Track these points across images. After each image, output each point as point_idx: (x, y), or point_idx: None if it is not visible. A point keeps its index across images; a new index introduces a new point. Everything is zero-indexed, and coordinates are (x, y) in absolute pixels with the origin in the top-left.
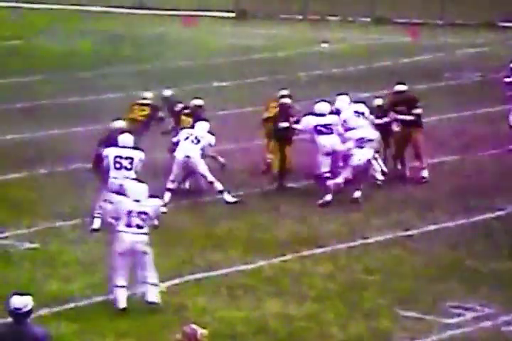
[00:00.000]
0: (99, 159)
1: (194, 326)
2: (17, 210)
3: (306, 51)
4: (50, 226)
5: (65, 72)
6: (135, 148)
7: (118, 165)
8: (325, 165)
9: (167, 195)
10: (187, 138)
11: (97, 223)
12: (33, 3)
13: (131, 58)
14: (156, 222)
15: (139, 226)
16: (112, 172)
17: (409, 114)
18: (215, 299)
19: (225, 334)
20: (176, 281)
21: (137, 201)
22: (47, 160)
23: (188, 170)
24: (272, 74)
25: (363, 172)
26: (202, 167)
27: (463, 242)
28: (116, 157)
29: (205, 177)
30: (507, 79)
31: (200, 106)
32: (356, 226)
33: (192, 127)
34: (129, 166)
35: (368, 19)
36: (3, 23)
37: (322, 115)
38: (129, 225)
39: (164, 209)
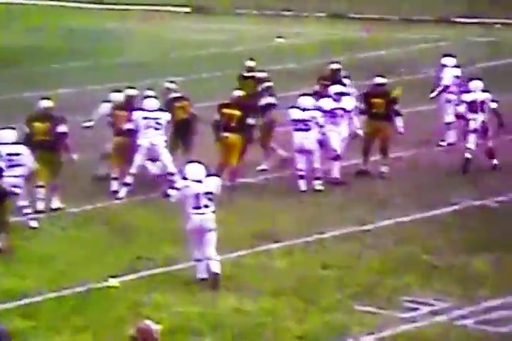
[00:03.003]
0: None
1: (148, 322)
2: None
3: (261, 46)
4: None
5: (19, 67)
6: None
7: (10, 163)
8: (299, 162)
9: (123, 190)
10: (147, 126)
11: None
12: None
13: (86, 53)
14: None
15: (206, 206)
16: (7, 171)
17: (386, 107)
18: (171, 294)
19: (180, 329)
20: (132, 277)
21: (199, 181)
22: None
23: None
24: (227, 69)
25: (482, 134)
26: (166, 155)
27: (418, 237)
28: (7, 154)
29: (167, 166)
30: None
31: (133, 97)
32: (312, 222)
33: (129, 120)
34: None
35: (323, 14)
36: None
37: (304, 110)
38: (197, 207)
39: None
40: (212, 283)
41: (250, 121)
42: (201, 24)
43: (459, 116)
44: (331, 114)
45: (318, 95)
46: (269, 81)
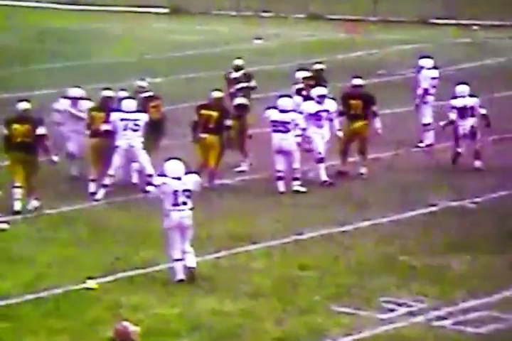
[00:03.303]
0: None
1: (126, 323)
2: None
3: (239, 47)
4: None
5: None
6: None
7: None
8: (278, 163)
9: (101, 192)
10: (125, 127)
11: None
12: None
13: (63, 54)
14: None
15: (184, 203)
16: None
17: (364, 109)
18: (149, 296)
19: (159, 331)
20: (110, 278)
21: (178, 179)
22: None
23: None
24: (205, 71)
25: (471, 138)
26: (144, 157)
27: (396, 238)
28: None
29: (145, 168)
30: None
31: (110, 98)
32: (291, 223)
33: (106, 121)
34: None
35: (302, 15)
36: None
37: (283, 111)
38: (175, 204)
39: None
40: (188, 277)
41: (228, 122)
42: (179, 25)
43: (451, 122)
44: (316, 116)
45: (301, 94)
46: (242, 82)
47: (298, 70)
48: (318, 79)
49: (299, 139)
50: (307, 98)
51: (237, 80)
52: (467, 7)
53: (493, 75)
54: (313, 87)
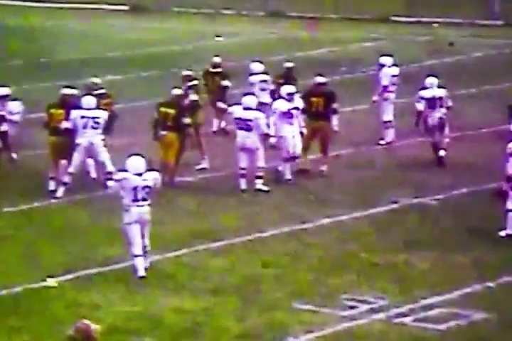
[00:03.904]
0: None
1: (86, 321)
2: None
3: (200, 45)
4: None
5: None
6: None
7: None
8: (241, 161)
9: (60, 189)
10: (85, 125)
11: None
12: None
13: (23, 52)
14: None
15: (144, 199)
16: None
17: (325, 107)
18: (110, 294)
19: (120, 329)
20: (70, 276)
21: (139, 175)
22: None
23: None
24: (166, 68)
25: (440, 130)
26: (105, 155)
27: (358, 235)
28: None
29: (105, 165)
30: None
31: (70, 95)
32: (252, 220)
33: (66, 119)
34: None
35: (262, 13)
36: None
37: (247, 109)
38: (135, 200)
39: None
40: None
41: (186, 120)
42: (139, 23)
43: (419, 113)
44: (288, 114)
45: (274, 96)
46: (195, 79)
47: (253, 61)
48: (287, 77)
49: (274, 140)
50: (278, 97)
51: (189, 78)
52: (427, 5)
53: (452, 73)
54: (282, 85)
